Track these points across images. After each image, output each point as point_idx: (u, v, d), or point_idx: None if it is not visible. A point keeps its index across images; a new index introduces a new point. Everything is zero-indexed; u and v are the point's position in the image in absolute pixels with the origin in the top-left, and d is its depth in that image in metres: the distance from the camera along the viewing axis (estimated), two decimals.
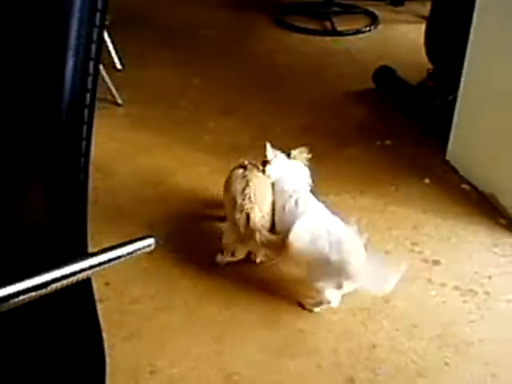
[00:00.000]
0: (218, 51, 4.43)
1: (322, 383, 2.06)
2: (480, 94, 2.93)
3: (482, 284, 2.45)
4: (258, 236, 2.27)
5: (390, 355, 2.14)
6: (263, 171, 2.49)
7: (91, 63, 0.81)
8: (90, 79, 0.83)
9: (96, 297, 2.35)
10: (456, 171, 3.10)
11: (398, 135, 3.42)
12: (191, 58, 4.27)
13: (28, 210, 0.89)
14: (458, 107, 3.07)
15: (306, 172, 2.59)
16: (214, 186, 2.74)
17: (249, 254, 2.47)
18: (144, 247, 0.92)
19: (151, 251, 0.99)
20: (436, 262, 2.55)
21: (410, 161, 3.21)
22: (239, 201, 2.32)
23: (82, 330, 1.08)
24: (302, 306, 2.31)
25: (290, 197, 2.39)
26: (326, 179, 2.99)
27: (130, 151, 3.30)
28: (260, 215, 2.30)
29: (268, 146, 2.52)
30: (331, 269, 2.17)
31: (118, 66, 4.08)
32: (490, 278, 2.48)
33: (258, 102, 3.72)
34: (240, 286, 2.41)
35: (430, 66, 3.59)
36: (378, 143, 3.35)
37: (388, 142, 3.35)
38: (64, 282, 0.86)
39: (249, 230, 2.29)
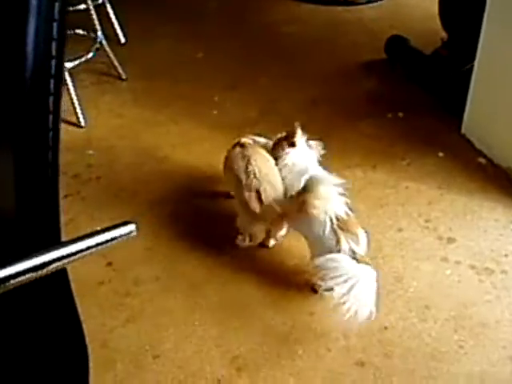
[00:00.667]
0: (224, 23, 4.30)
1: (332, 368, 1.97)
2: (497, 64, 2.79)
3: (498, 262, 2.34)
4: (272, 209, 2.19)
5: (402, 338, 2.05)
6: (283, 149, 2.39)
7: (55, 25, 0.71)
8: (54, 44, 0.72)
9: (98, 278, 2.31)
10: (472, 144, 2.97)
11: (410, 107, 3.29)
12: (196, 30, 4.14)
13: None
14: (474, 77, 2.93)
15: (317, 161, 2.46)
16: (219, 163, 2.63)
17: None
18: (124, 235, 0.82)
19: (134, 236, 0.88)
20: (451, 240, 2.45)
21: (424, 134, 3.09)
22: (244, 180, 2.23)
23: (59, 321, 0.99)
24: (314, 290, 2.21)
25: (303, 175, 2.29)
26: (336, 153, 2.89)
27: (133, 127, 3.21)
28: (269, 188, 2.22)
29: (298, 128, 2.37)
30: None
31: (122, 39, 3.97)
32: (506, 256, 2.37)
33: (266, 74, 3.60)
34: (247, 267, 2.33)
35: (444, 34, 3.44)
36: (390, 116, 3.22)
37: (400, 115, 3.22)
38: (34, 274, 0.77)
39: (263, 206, 2.21)
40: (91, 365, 1.94)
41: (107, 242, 0.81)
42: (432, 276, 2.29)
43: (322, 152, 2.46)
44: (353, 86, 3.53)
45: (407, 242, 2.44)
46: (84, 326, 2.09)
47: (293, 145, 2.36)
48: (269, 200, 2.20)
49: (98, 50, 3.43)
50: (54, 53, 0.72)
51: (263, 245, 2.39)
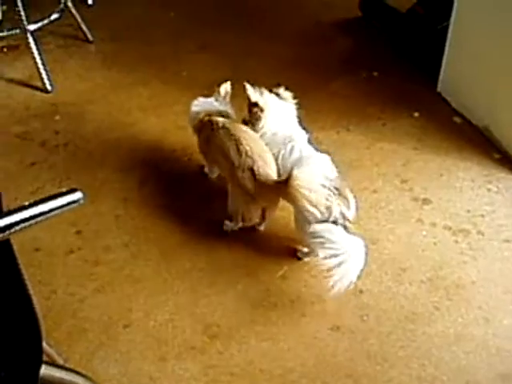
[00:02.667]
0: None
1: (307, 332, 1.94)
2: (473, 22, 2.73)
3: (474, 223, 2.32)
4: (266, 188, 2.10)
5: (377, 301, 2.03)
6: (253, 115, 2.31)
7: None
8: None
9: (67, 247, 2.25)
10: (448, 104, 2.93)
11: (385, 66, 3.23)
12: None
13: None
14: (450, 36, 2.88)
15: (294, 111, 2.39)
16: (189, 127, 2.56)
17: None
18: (70, 202, 0.75)
19: (84, 205, 0.82)
20: (426, 201, 2.42)
21: (399, 93, 3.03)
22: (237, 160, 2.13)
23: (6, 293, 0.93)
24: (292, 252, 2.18)
25: (285, 144, 2.23)
26: (309, 114, 2.82)
27: (102, 91, 3.11)
28: (263, 165, 2.13)
29: (247, 86, 2.30)
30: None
31: (89, 1, 3.84)
32: (483, 216, 2.35)
33: (237, 35, 3.50)
34: (218, 233, 2.27)
35: None
36: (365, 75, 3.16)
37: (375, 74, 3.16)
38: None
39: (258, 184, 2.10)
40: (62, 335, 1.91)
41: (53, 210, 0.74)
42: (407, 238, 2.26)
43: (294, 102, 2.39)
44: (326, 45, 3.45)
45: (382, 203, 2.41)
46: (53, 296, 2.07)
47: (254, 106, 2.29)
48: (263, 178, 2.10)
49: (63, 11, 3.30)
50: None
51: (253, 228, 2.28)
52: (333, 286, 1.90)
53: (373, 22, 3.59)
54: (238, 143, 2.16)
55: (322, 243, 1.96)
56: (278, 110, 2.32)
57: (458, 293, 2.06)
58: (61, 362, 1.80)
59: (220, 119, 2.29)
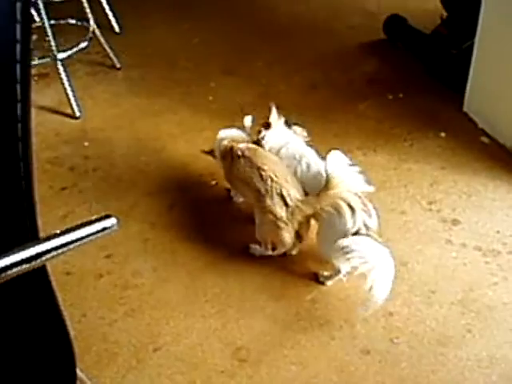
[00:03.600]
0: (218, 8, 4.23)
1: (337, 356, 1.93)
2: (498, 41, 2.72)
3: (504, 243, 2.29)
4: (302, 208, 2.10)
5: (407, 324, 2.01)
6: (260, 133, 2.33)
7: (18, 5, 0.65)
8: (18, 26, 0.67)
9: (96, 271, 2.27)
10: (474, 124, 2.91)
11: (411, 87, 3.23)
12: (190, 16, 4.07)
13: None
14: (475, 55, 2.87)
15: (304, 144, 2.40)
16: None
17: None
18: (105, 228, 0.77)
19: (116, 230, 0.83)
20: (455, 222, 2.39)
21: (425, 114, 3.03)
22: (263, 188, 2.14)
23: (41, 318, 0.95)
24: (316, 278, 2.17)
25: (300, 161, 2.24)
26: (336, 136, 2.86)
27: (130, 116, 3.16)
28: (291, 189, 2.13)
29: (273, 108, 2.34)
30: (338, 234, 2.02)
31: (116, 29, 3.91)
32: None
33: (262, 58, 3.54)
34: (246, 257, 2.27)
35: (443, 12, 3.37)
36: (391, 97, 3.16)
37: (401, 95, 3.16)
38: (12, 271, 0.72)
39: (289, 209, 2.11)
40: (92, 359, 1.93)
41: (87, 236, 0.75)
42: (437, 259, 2.24)
43: (306, 137, 2.41)
44: (351, 68, 3.46)
45: (410, 224, 2.39)
46: (83, 319, 2.08)
47: (267, 126, 2.31)
48: (293, 201, 2.11)
49: (91, 39, 3.37)
50: (18, 36, 0.67)
51: (285, 254, 2.26)
52: (370, 291, 1.91)
53: (398, 43, 3.60)
54: (260, 170, 2.16)
55: (351, 256, 1.95)
56: (284, 130, 2.37)
57: (490, 315, 2.02)
58: None
59: (241, 146, 2.30)
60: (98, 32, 3.44)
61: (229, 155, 2.33)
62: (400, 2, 4.03)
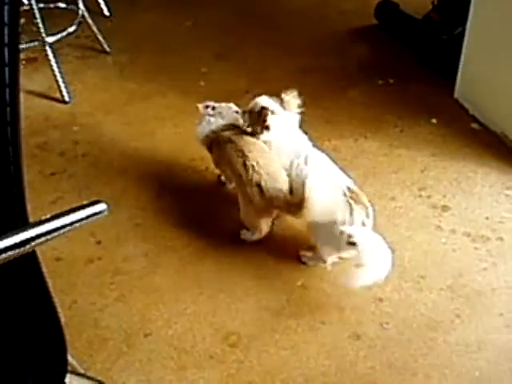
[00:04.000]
0: None
1: (327, 341, 1.93)
2: (489, 27, 2.72)
3: (493, 229, 2.30)
4: (275, 200, 2.11)
5: (397, 309, 2.02)
6: (263, 128, 2.29)
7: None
8: (5, 9, 0.65)
9: (87, 257, 2.26)
10: (465, 110, 2.91)
11: (402, 73, 3.23)
12: (183, 0, 4.04)
13: None
14: (466, 41, 2.87)
15: (297, 120, 2.37)
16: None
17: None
18: (95, 214, 0.76)
19: (105, 216, 0.82)
20: (445, 208, 2.40)
21: (416, 100, 3.03)
22: (244, 175, 2.14)
23: (32, 304, 0.94)
24: (299, 258, 2.18)
25: (297, 157, 2.22)
26: (327, 122, 2.85)
27: (120, 101, 3.14)
28: (270, 180, 2.13)
29: (269, 113, 2.26)
30: (335, 229, 2.02)
31: (106, 12, 3.88)
32: (502, 222, 2.33)
33: (254, 44, 3.52)
34: (237, 242, 2.27)
35: None
36: (381, 82, 3.16)
37: (392, 81, 3.16)
38: (1, 257, 0.72)
39: (265, 200, 2.12)
40: (82, 345, 1.93)
41: (77, 221, 0.75)
42: (426, 245, 2.25)
43: (299, 105, 2.34)
44: (342, 54, 3.46)
45: (401, 210, 2.40)
46: (74, 305, 2.08)
47: (267, 128, 2.28)
48: (271, 193, 2.11)
49: (80, 23, 3.34)
50: (6, 19, 0.66)
51: (272, 237, 2.29)
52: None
53: (389, 29, 3.59)
54: (244, 158, 2.17)
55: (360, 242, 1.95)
56: (283, 122, 2.31)
57: (479, 300, 2.04)
58: (81, 371, 1.81)
59: (226, 133, 2.30)
60: (87, 16, 3.41)
61: (216, 143, 2.34)
62: None
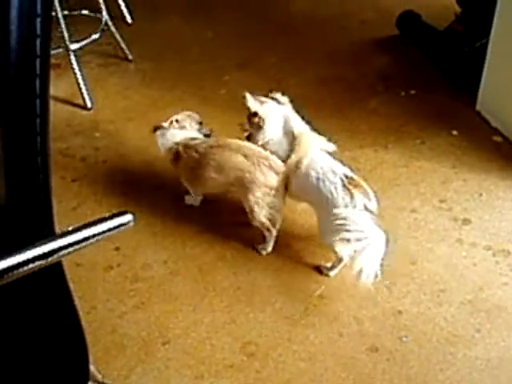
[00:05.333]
0: (231, 2, 4.20)
1: (345, 353, 1.93)
2: None
3: None
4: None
5: (416, 322, 2.01)
6: (254, 125, 2.32)
7: (38, 1, 0.65)
8: (38, 21, 0.66)
9: (106, 263, 2.27)
10: (487, 122, 2.89)
11: (423, 84, 3.21)
12: (204, 9, 4.06)
13: None
14: (489, 53, 2.85)
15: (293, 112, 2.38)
16: None
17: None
18: (121, 225, 0.77)
19: (131, 226, 0.83)
20: (466, 221, 2.39)
21: (437, 112, 3.01)
22: (253, 167, 2.21)
23: (55, 313, 0.95)
24: (319, 270, 2.18)
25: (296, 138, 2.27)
26: (347, 133, 2.84)
27: (141, 109, 3.15)
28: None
29: (248, 96, 2.32)
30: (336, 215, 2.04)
31: (129, 19, 3.90)
32: None
33: (275, 53, 3.52)
34: (256, 251, 2.28)
35: (457, 8, 3.34)
36: (403, 93, 3.14)
37: (413, 92, 3.15)
38: (29, 267, 0.72)
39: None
40: (100, 351, 1.93)
41: (103, 232, 0.75)
42: (447, 258, 2.23)
43: (289, 103, 2.39)
44: (364, 64, 3.45)
45: (421, 223, 2.38)
46: (93, 311, 2.09)
47: (254, 115, 2.31)
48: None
49: (103, 30, 3.36)
50: (38, 31, 0.67)
51: (291, 246, 2.32)
52: (358, 275, 1.96)
53: (410, 39, 3.57)
54: (242, 153, 2.23)
55: (348, 225, 1.98)
56: (279, 118, 2.33)
57: (500, 315, 2.02)
58: (99, 377, 1.82)
59: (206, 141, 2.38)
60: (110, 23, 3.44)
61: (190, 155, 2.35)
62: None
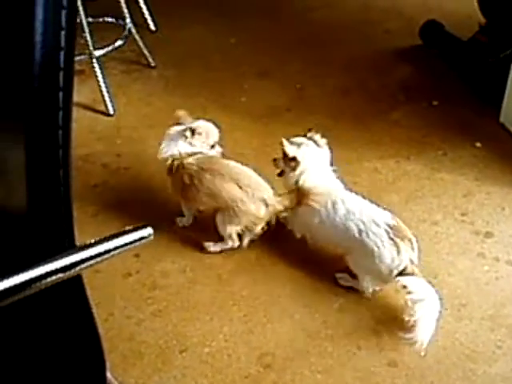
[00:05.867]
0: (254, 9, 4.21)
1: (363, 366, 1.91)
2: None
3: None
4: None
5: (436, 337, 1.97)
6: (289, 167, 2.26)
7: (63, 13, 0.65)
8: (63, 34, 0.66)
9: (125, 270, 2.27)
10: (511, 135, 2.86)
11: (446, 95, 3.18)
12: (227, 17, 4.07)
13: (6, 194, 0.75)
14: None
15: (329, 158, 2.31)
16: (249, 152, 2.57)
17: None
18: (141, 238, 0.76)
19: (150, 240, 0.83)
20: (488, 234, 2.36)
21: (460, 123, 2.98)
22: (245, 196, 2.21)
23: (73, 322, 0.95)
24: (335, 280, 2.18)
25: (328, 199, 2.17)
26: (368, 143, 2.83)
27: (163, 116, 3.15)
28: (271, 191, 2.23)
29: (285, 142, 2.22)
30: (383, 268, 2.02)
31: (152, 27, 3.92)
32: None
33: (296, 62, 3.52)
34: (275, 262, 2.27)
35: (482, 19, 3.31)
36: (425, 104, 3.12)
37: (436, 103, 3.12)
38: (49, 280, 0.72)
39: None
40: (118, 358, 1.93)
41: (124, 245, 0.75)
42: (468, 272, 2.21)
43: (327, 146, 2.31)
44: (386, 74, 3.43)
45: (442, 236, 2.36)
46: (111, 318, 2.09)
47: (292, 160, 2.23)
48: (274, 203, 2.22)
49: (127, 37, 3.39)
50: (63, 43, 0.67)
51: (310, 259, 2.30)
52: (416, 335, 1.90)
53: (434, 50, 3.55)
54: (237, 182, 2.21)
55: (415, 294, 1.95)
56: (316, 162, 2.25)
57: None
58: None
59: (201, 161, 2.31)
60: (133, 30, 3.46)
61: (185, 172, 2.31)
62: (438, 7, 3.98)
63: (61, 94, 0.70)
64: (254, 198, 2.20)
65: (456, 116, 3.04)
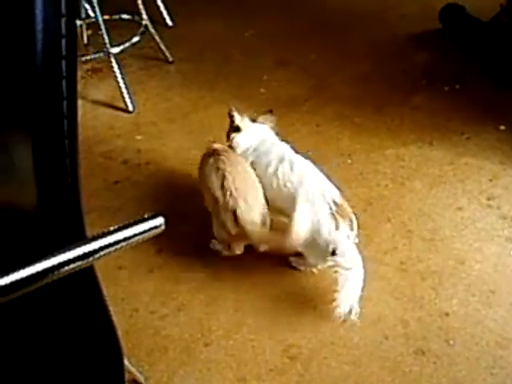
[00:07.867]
0: (270, 0, 4.18)
1: (390, 356, 1.88)
2: None
3: None
4: (249, 233, 2.07)
5: (464, 324, 1.94)
6: (230, 138, 2.31)
7: (63, 1, 0.64)
8: (63, 21, 0.65)
9: (148, 265, 2.27)
10: None
11: (468, 79, 3.13)
12: (242, 9, 4.04)
13: (14, 188, 0.75)
14: None
15: (273, 130, 2.37)
16: None
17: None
18: (152, 228, 0.75)
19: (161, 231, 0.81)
20: None
21: (483, 106, 2.93)
22: (221, 199, 2.09)
23: (87, 317, 0.94)
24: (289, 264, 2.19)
25: (281, 162, 2.18)
26: (389, 130, 2.79)
27: (182, 110, 3.16)
28: (247, 209, 2.06)
29: (234, 110, 2.31)
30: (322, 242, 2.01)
31: (169, 22, 3.91)
32: None
33: (314, 50, 3.48)
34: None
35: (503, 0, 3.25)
36: (447, 89, 3.06)
37: (458, 87, 3.07)
38: (62, 270, 0.71)
39: (239, 228, 2.07)
40: (143, 353, 1.93)
41: (135, 236, 0.74)
42: (496, 258, 2.16)
43: (274, 124, 2.36)
44: (406, 59, 3.38)
45: (468, 221, 2.31)
46: (135, 314, 2.09)
47: (237, 129, 2.30)
48: (245, 224, 2.05)
49: (143, 33, 3.38)
50: (64, 31, 0.65)
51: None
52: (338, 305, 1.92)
53: (454, 33, 3.49)
54: (223, 179, 2.11)
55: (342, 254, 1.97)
56: (256, 128, 2.33)
57: None
58: (142, 380, 1.82)
59: (219, 146, 2.28)
60: (150, 26, 3.45)
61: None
62: None
63: (64, 82, 0.68)
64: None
65: (478, 99, 2.98)
